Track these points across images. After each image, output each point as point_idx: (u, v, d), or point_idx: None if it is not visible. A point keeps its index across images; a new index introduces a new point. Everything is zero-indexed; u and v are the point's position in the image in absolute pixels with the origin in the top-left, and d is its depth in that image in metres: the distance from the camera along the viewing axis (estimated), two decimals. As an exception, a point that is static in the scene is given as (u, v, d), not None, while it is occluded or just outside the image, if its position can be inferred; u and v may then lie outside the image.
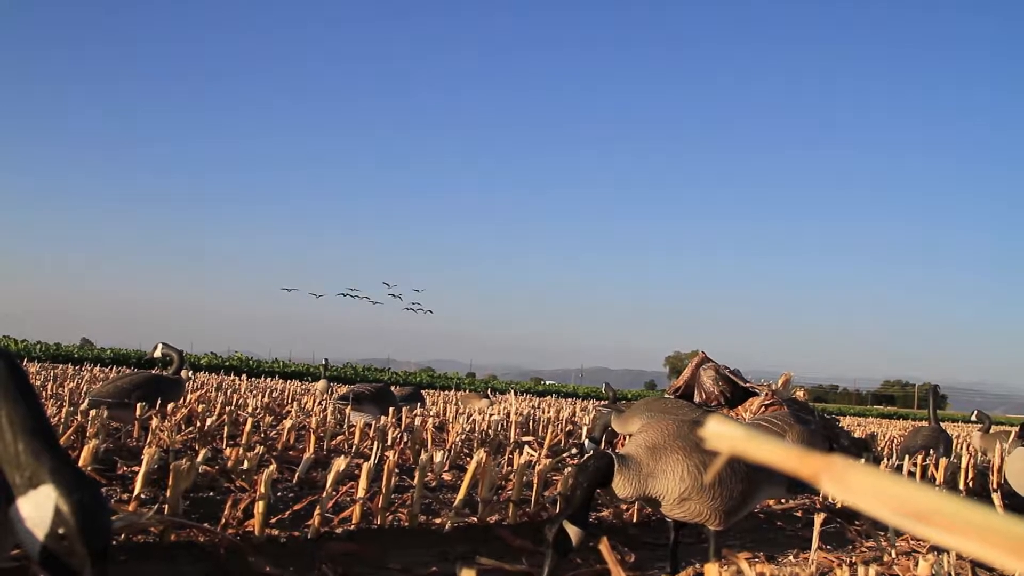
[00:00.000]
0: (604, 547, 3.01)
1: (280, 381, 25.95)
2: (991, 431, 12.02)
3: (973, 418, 13.22)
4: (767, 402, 9.19)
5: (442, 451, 6.96)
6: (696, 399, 9.74)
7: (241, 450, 5.87)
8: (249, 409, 9.98)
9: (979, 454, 11.44)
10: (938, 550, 4.80)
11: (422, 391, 20.24)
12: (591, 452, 7.93)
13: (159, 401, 7.71)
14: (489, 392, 19.96)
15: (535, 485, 5.54)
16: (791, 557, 5.37)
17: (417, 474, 4.97)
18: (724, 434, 0.78)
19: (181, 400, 8.82)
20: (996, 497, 6.74)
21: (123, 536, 3.97)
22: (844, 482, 0.70)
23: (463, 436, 8.56)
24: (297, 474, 6.08)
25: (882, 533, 6.00)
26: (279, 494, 5.64)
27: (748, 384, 9.68)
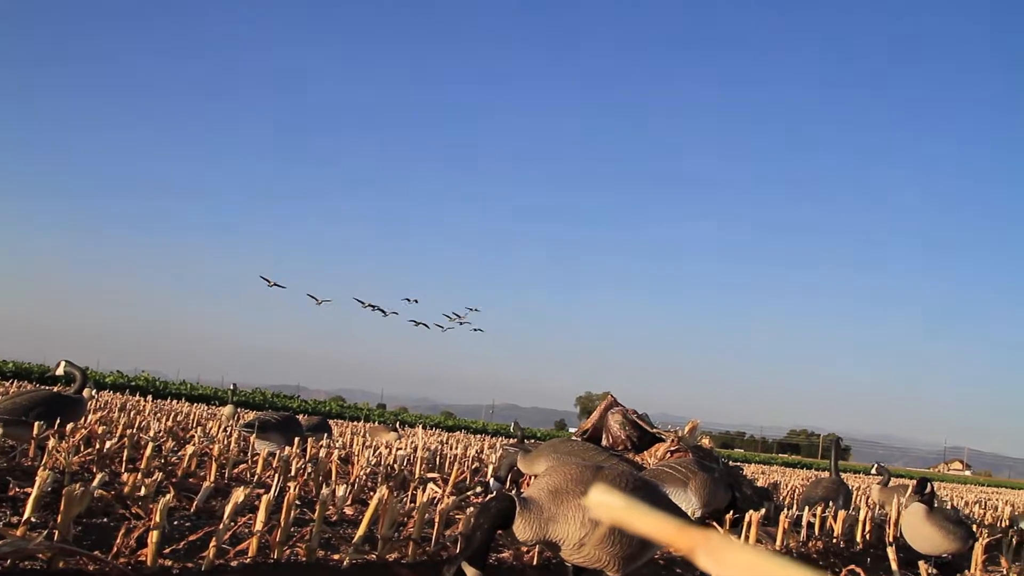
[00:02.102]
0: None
1: (186, 404, 25.50)
2: (890, 484, 12.22)
3: (873, 471, 13.42)
4: (673, 448, 9.29)
5: (345, 484, 6.90)
6: (604, 442, 9.81)
7: (140, 475, 5.75)
8: (151, 432, 9.79)
9: (877, 507, 11.62)
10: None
11: (330, 421, 20.05)
12: (496, 491, 7.92)
13: (58, 420, 7.55)
14: (398, 425, 19.81)
15: (437, 523, 5.51)
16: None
17: (318, 508, 4.91)
18: (606, 503, 0.79)
19: (81, 420, 8.64)
20: (891, 551, 6.86)
21: (9, 562, 3.86)
22: (719, 558, 0.71)
23: (368, 470, 8.49)
24: (195, 503, 5.98)
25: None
26: (176, 523, 5.53)
27: (655, 430, 9.78)
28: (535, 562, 5.71)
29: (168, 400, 28.94)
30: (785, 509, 8.44)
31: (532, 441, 10.77)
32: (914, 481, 7.95)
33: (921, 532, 7.30)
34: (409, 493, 7.44)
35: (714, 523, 7.27)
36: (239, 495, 4.62)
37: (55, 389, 9.12)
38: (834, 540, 8.26)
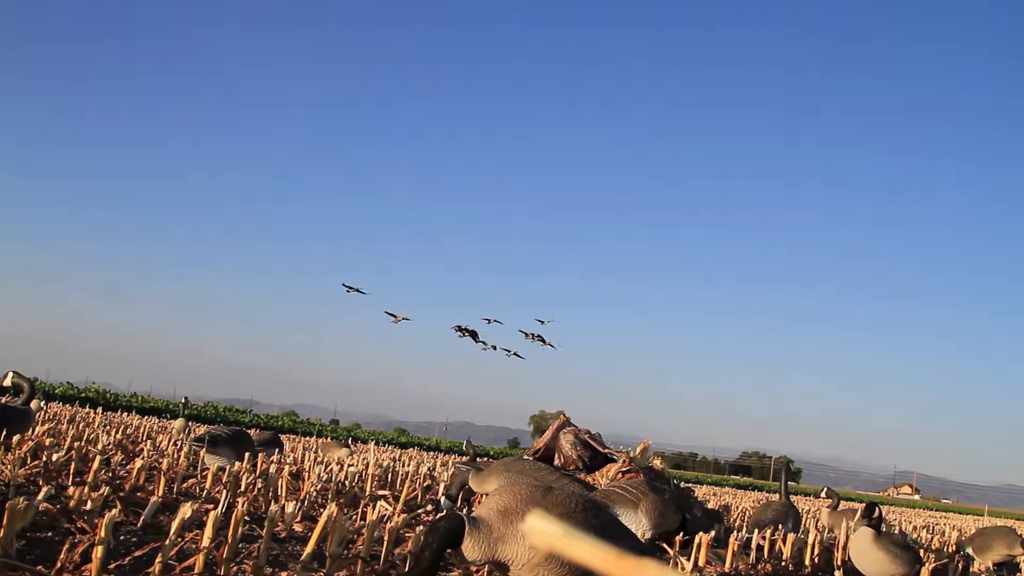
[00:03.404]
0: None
1: (137, 417, 25.24)
2: (839, 508, 12.32)
3: (823, 495, 13.52)
4: (624, 469, 9.30)
5: (295, 501, 6.86)
6: (556, 462, 9.80)
7: (87, 489, 5.69)
8: (100, 445, 9.69)
9: (826, 531, 11.71)
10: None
11: (282, 436, 19.91)
12: (447, 510, 7.90)
13: (4, 432, 7.46)
14: (350, 441, 19.75)
15: (387, 541, 5.49)
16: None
17: (266, 524, 4.88)
18: (543, 530, 0.80)
19: (28, 432, 8.54)
20: (839, 574, 6.92)
21: (-51, 576, 3.81)
22: (653, 588, 0.72)
23: (319, 486, 8.44)
24: (143, 518, 5.92)
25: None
26: (122, 538, 5.48)
27: (607, 450, 9.79)
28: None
29: (118, 413, 28.64)
30: (735, 531, 8.49)
31: (485, 459, 10.73)
32: (863, 505, 8.02)
33: (868, 556, 7.35)
34: (359, 510, 7.40)
35: (664, 544, 7.30)
36: (186, 510, 4.58)
37: (2, 400, 9.01)
38: (783, 563, 8.31)
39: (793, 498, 15.49)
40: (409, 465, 14.14)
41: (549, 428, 10.28)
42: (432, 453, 34.65)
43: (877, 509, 7.65)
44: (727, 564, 7.38)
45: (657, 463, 10.10)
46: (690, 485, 14.71)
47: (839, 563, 8.53)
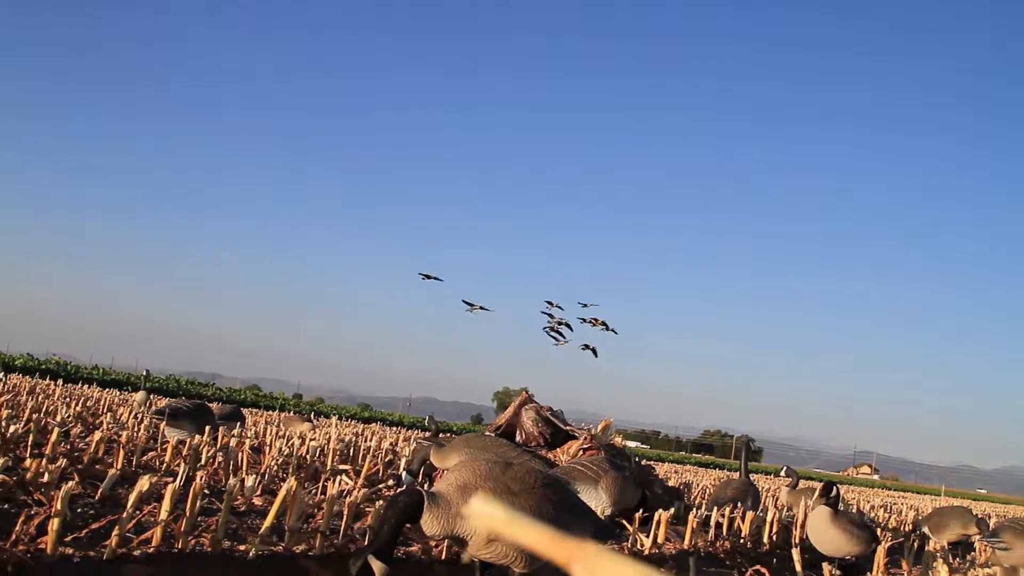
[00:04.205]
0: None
1: (97, 389, 25.03)
2: (798, 487, 12.41)
3: (782, 474, 13.62)
4: (585, 446, 9.33)
5: (256, 474, 6.84)
6: (517, 439, 9.82)
7: (44, 461, 5.64)
8: (59, 417, 9.62)
9: (785, 509, 11.80)
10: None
11: (244, 410, 19.82)
12: (408, 485, 7.91)
13: (-40, 404, 7.38)
14: (312, 416, 19.69)
15: (346, 515, 5.48)
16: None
17: (225, 498, 4.86)
18: (486, 513, 0.79)
19: (-15, 404, 8.45)
20: (796, 552, 6.98)
21: (-98, 547, 3.77)
22: (595, 570, 0.72)
23: (280, 460, 8.41)
24: (100, 490, 5.88)
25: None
26: (79, 511, 5.44)
27: (568, 427, 9.81)
28: (443, 556, 5.72)
29: (79, 385, 28.42)
30: (695, 509, 8.54)
31: (447, 435, 10.74)
32: (821, 484, 8.09)
33: (826, 534, 7.42)
34: (320, 484, 7.39)
35: (624, 521, 7.33)
36: (144, 483, 4.55)
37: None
38: (742, 540, 8.37)
39: (753, 477, 15.60)
40: (371, 440, 14.12)
41: (511, 404, 10.30)
42: (395, 428, 34.65)
43: (835, 488, 7.72)
44: (686, 541, 7.43)
45: (618, 440, 10.14)
46: (651, 463, 14.72)
47: (796, 541, 8.60)
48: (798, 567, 6.80)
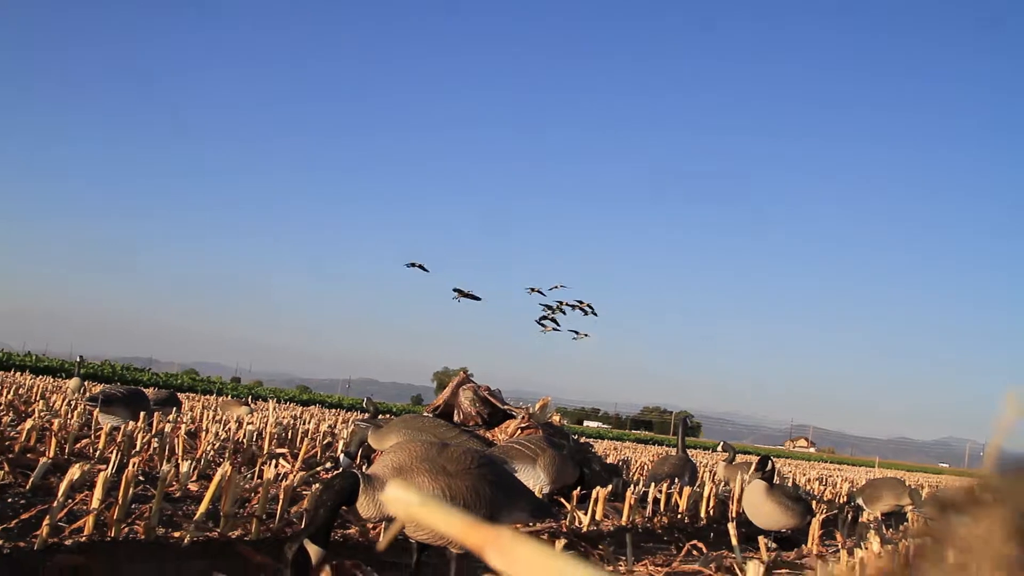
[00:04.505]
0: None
1: (30, 377, 24.65)
2: (735, 462, 12.55)
3: (719, 448, 13.77)
4: (523, 425, 9.36)
5: (191, 460, 6.78)
6: (456, 419, 9.83)
7: (-28, 451, 5.56)
8: (-11, 406, 9.46)
9: (722, 484, 11.93)
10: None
11: (181, 395, 19.62)
12: (345, 467, 7.88)
13: None
14: (250, 399, 19.54)
15: (282, 500, 5.45)
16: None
17: (159, 484, 4.81)
18: (400, 499, 0.79)
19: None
20: (732, 526, 7.05)
21: None
22: (509, 556, 0.71)
23: (216, 445, 8.34)
24: (32, 479, 5.79)
25: (622, 557, 6.18)
26: (10, 500, 5.36)
27: (506, 407, 9.84)
28: (382, 539, 5.71)
29: (11, 372, 27.99)
30: (633, 485, 8.60)
31: (386, 416, 10.70)
32: (757, 458, 8.19)
33: (761, 508, 7.52)
34: (256, 469, 7.34)
35: (562, 499, 7.37)
36: (76, 471, 4.49)
37: None
38: (679, 516, 8.45)
39: (691, 452, 15.70)
40: (310, 423, 14.06)
41: (449, 384, 10.29)
42: (335, 411, 34.54)
43: (770, 462, 7.81)
44: (624, 517, 7.48)
45: (556, 419, 10.19)
46: (590, 440, 14.78)
47: (733, 515, 8.71)
48: (734, 541, 6.87)
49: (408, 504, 0.78)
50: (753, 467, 7.93)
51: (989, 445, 0.77)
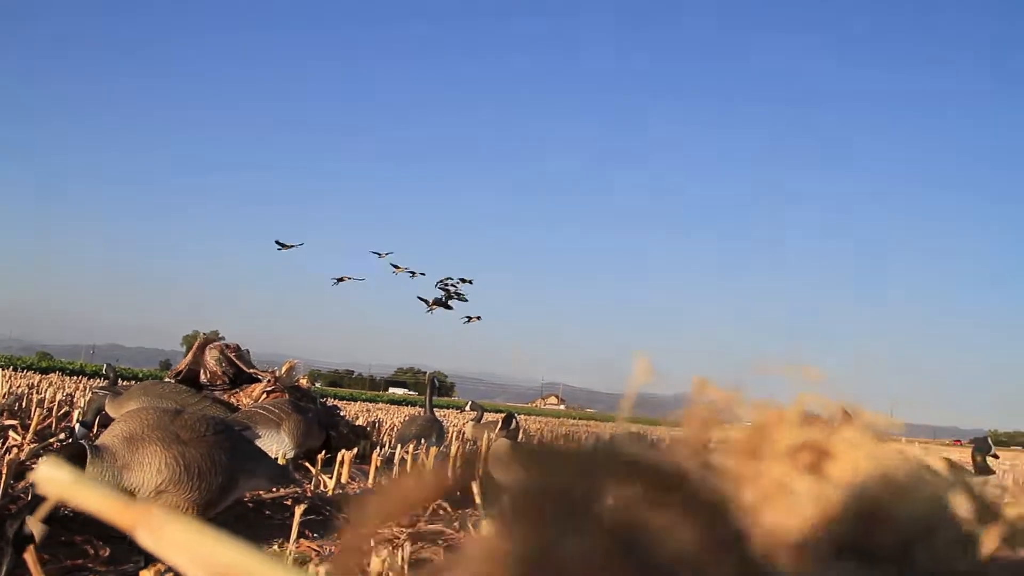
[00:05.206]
0: (29, 555, 2.92)
1: None
2: (483, 421, 12.81)
3: (467, 408, 14.04)
4: (269, 389, 9.27)
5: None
6: (201, 379, 9.63)
7: None
8: None
9: (470, 443, 12.15)
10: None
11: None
12: (81, 438, 7.60)
13: None
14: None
15: (4, 474, 5.20)
16: (275, 546, 5.40)
17: None
18: (53, 478, 0.76)
19: None
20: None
21: None
22: (158, 535, 0.70)
23: (-64, 419, 7.88)
24: None
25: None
26: None
27: (252, 370, 9.70)
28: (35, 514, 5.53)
29: None
30: (380, 447, 8.65)
31: (128, 383, 10.35)
32: (503, 416, 8.38)
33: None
34: (-20, 442, 6.98)
35: (307, 463, 7.34)
36: None
37: None
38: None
39: (442, 412, 15.89)
40: (46, 392, 13.45)
41: (192, 346, 10.06)
42: (76, 378, 33.17)
43: (514, 420, 8.02)
44: (370, 479, 7.52)
45: (303, 382, 10.12)
46: (339, 403, 14.74)
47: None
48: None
49: (59, 483, 0.76)
50: (499, 425, 8.11)
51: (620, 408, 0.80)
